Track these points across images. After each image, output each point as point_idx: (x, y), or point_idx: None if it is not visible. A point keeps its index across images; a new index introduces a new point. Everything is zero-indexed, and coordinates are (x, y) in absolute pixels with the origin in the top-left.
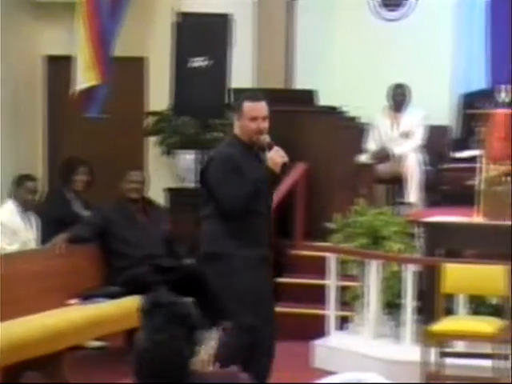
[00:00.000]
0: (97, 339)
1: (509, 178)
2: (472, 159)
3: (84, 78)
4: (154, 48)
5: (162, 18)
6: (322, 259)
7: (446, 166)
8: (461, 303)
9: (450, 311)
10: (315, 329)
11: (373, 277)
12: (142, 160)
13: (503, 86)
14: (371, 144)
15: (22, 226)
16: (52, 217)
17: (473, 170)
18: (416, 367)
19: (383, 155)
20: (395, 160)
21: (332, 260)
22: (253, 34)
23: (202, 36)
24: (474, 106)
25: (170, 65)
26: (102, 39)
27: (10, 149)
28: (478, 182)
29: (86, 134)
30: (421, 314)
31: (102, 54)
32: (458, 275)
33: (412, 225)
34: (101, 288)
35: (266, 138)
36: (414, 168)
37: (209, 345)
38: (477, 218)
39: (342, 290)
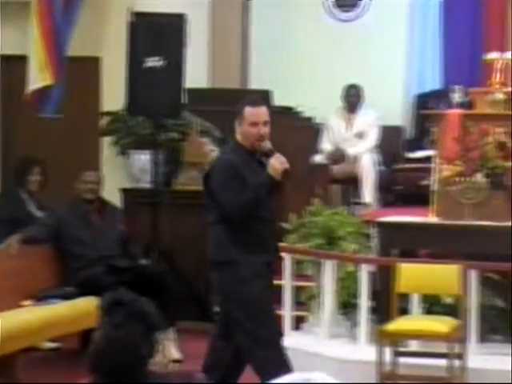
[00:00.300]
0: (51, 340)
1: (462, 178)
2: (426, 159)
3: (38, 77)
4: (109, 48)
5: (117, 17)
6: None
7: (400, 166)
8: (415, 303)
9: (404, 311)
10: None
11: (328, 277)
12: (97, 160)
13: (457, 87)
14: (326, 144)
15: None
16: (6, 217)
17: (427, 170)
18: (371, 367)
19: (338, 156)
20: (350, 160)
21: (287, 260)
22: (208, 33)
23: (157, 36)
24: (427, 106)
25: (125, 65)
26: (55, 39)
27: None
28: (432, 182)
29: (41, 134)
30: (375, 313)
31: (55, 53)
32: (413, 275)
33: (367, 225)
34: (55, 289)
35: (267, 144)
36: (368, 168)
37: (166, 345)
38: (431, 218)
39: (298, 290)
